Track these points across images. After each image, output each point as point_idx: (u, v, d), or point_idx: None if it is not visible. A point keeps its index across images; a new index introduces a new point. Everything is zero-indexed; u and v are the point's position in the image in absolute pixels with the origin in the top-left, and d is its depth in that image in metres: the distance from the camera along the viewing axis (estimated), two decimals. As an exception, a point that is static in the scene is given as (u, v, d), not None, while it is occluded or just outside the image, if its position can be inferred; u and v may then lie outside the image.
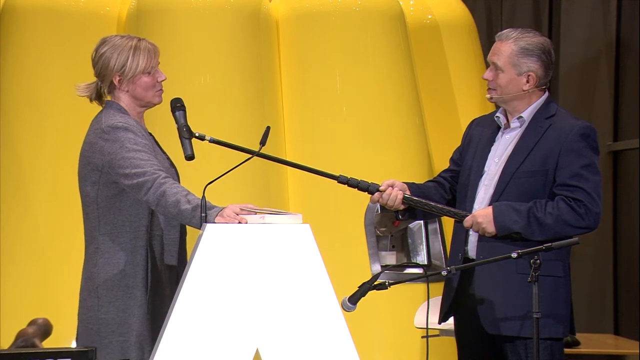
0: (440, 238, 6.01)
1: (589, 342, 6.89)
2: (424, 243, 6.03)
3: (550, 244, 3.90)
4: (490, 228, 4.10)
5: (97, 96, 4.21)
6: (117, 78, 4.13)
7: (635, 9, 8.36)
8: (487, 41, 7.95)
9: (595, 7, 8.65)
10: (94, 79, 4.22)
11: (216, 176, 3.81)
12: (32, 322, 5.05)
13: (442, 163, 5.30)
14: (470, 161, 4.29)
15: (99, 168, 4.05)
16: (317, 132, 6.02)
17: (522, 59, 4.19)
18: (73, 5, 6.08)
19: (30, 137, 5.92)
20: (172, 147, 4.22)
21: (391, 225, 5.36)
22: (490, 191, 4.18)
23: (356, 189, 4.25)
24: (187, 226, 4.11)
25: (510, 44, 4.20)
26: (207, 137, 4.02)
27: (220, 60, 5.92)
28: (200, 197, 3.77)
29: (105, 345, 4.02)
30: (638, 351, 6.74)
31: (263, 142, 3.92)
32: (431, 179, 4.55)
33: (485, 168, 4.23)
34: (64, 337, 5.43)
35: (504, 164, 4.17)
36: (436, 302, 4.23)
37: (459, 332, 4.33)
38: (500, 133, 4.27)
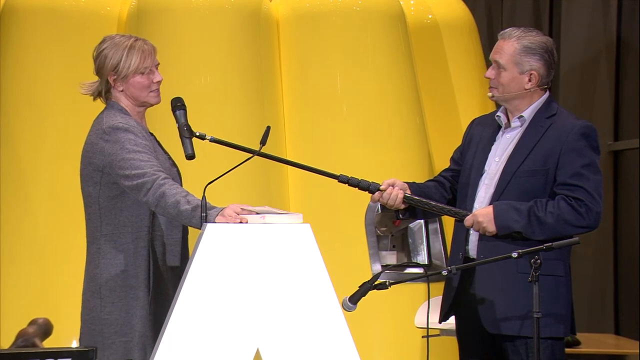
0: (440, 238, 6.01)
1: (589, 341, 6.90)
2: (425, 243, 6.03)
3: (550, 243, 3.89)
4: (491, 227, 4.09)
5: (100, 94, 4.21)
6: (112, 77, 4.14)
7: (635, 9, 8.36)
8: (487, 41, 7.96)
9: (595, 7, 8.65)
10: (94, 78, 4.23)
11: (217, 176, 3.80)
12: (33, 322, 5.05)
13: (442, 163, 5.29)
14: (470, 160, 4.29)
15: (100, 168, 4.06)
16: (317, 132, 6.02)
17: (524, 57, 4.18)
18: (73, 5, 6.08)
19: (30, 137, 5.91)
20: (173, 146, 4.22)
21: (392, 225, 5.36)
22: (491, 190, 4.18)
23: (356, 189, 4.25)
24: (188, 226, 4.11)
25: (513, 43, 4.20)
26: (208, 137, 4.02)
27: (220, 60, 5.91)
28: (200, 198, 3.77)
29: (108, 345, 4.02)
30: (638, 351, 6.74)
31: (263, 142, 3.92)
32: (432, 178, 4.54)
33: (486, 167, 4.23)
34: (64, 337, 5.44)
35: (504, 163, 4.17)
36: (437, 302, 4.23)
37: (460, 332, 4.33)
38: (500, 132, 4.27)
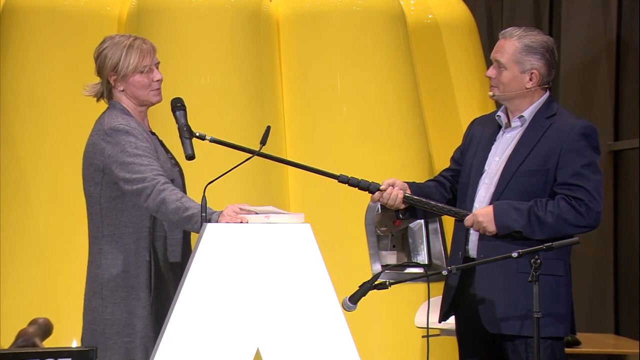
0: (440, 237, 6.01)
1: (589, 341, 6.89)
2: (425, 242, 6.02)
3: (550, 243, 3.89)
4: (491, 227, 4.09)
5: (102, 95, 4.21)
6: (112, 77, 4.14)
7: (635, 9, 8.37)
8: (487, 41, 7.96)
9: (595, 7, 8.65)
10: (95, 78, 4.23)
11: (217, 176, 3.80)
12: (33, 322, 5.05)
13: (442, 163, 5.29)
14: (470, 160, 4.28)
15: (101, 169, 4.06)
16: (317, 132, 6.02)
17: (525, 56, 4.18)
18: (73, 5, 6.08)
19: (30, 137, 5.91)
20: (173, 146, 4.23)
21: (392, 225, 5.34)
22: (491, 190, 4.18)
23: (356, 189, 4.25)
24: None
25: (514, 42, 4.19)
26: (208, 137, 4.02)
27: (220, 60, 5.91)
28: (199, 202, 3.77)
29: (110, 346, 4.02)
30: (638, 351, 6.74)
31: (263, 142, 3.92)
32: (432, 178, 4.54)
33: (486, 167, 4.23)
34: (65, 336, 5.44)
35: (504, 163, 4.17)
36: (437, 302, 4.23)
37: (460, 332, 4.33)
38: (501, 132, 4.27)
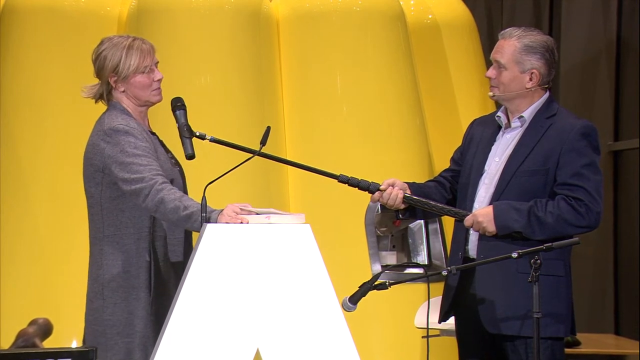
0: (440, 238, 6.01)
1: (589, 342, 6.89)
2: (425, 243, 6.02)
3: (550, 243, 3.89)
4: (491, 227, 4.09)
5: (102, 97, 4.21)
6: (113, 78, 4.13)
7: (635, 9, 8.36)
8: (487, 41, 7.95)
9: (595, 7, 8.65)
10: (95, 78, 4.22)
11: (217, 176, 3.80)
12: (33, 322, 5.05)
13: (442, 163, 5.29)
14: (470, 161, 4.29)
15: (101, 169, 4.06)
16: (317, 132, 6.02)
17: (525, 56, 4.18)
18: (73, 5, 6.08)
19: (30, 137, 5.91)
20: (173, 146, 4.23)
21: (391, 225, 5.34)
22: (491, 190, 4.18)
23: (356, 189, 4.25)
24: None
25: (514, 42, 4.19)
26: (208, 137, 4.02)
27: (220, 60, 5.91)
28: (199, 201, 3.77)
29: (111, 346, 4.03)
30: (638, 351, 6.74)
31: (263, 142, 3.92)
32: (432, 178, 4.54)
33: (486, 167, 4.23)
34: (64, 337, 5.44)
35: (504, 163, 4.17)
36: (436, 302, 4.23)
37: (460, 332, 4.33)
38: (501, 132, 4.27)
